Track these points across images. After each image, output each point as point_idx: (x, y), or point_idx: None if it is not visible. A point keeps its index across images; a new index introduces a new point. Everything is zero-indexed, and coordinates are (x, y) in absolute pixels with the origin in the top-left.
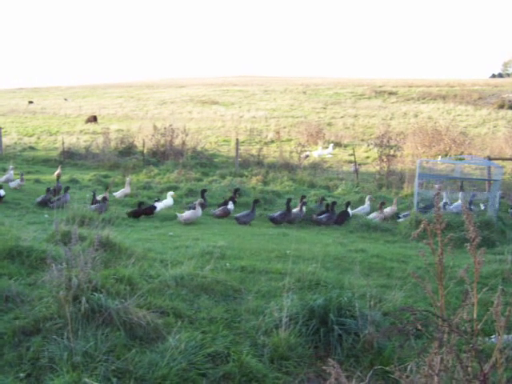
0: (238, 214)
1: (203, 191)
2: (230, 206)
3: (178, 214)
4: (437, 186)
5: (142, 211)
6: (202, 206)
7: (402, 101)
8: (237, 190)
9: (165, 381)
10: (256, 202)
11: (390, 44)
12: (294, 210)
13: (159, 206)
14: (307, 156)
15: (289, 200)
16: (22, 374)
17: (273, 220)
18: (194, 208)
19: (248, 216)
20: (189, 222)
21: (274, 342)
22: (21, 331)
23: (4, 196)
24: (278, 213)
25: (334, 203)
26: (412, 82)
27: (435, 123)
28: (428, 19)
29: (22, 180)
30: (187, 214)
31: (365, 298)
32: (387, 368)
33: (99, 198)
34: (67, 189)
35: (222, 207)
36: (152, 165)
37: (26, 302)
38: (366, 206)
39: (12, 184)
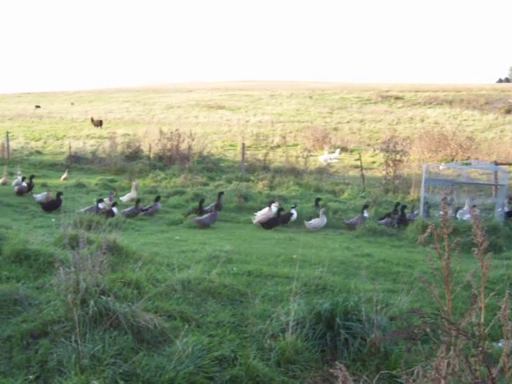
0: (349, 220)
1: (317, 200)
2: (366, 214)
3: (306, 222)
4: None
5: (281, 220)
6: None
7: (409, 106)
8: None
9: None
10: (366, 206)
11: (397, 49)
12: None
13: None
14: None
15: (404, 206)
16: (31, 377)
17: (386, 225)
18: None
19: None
20: (315, 230)
21: (281, 346)
22: (29, 334)
23: (116, 214)
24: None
25: (458, 208)
26: (418, 87)
27: (442, 128)
28: (434, 24)
29: (110, 199)
30: (315, 221)
31: (371, 303)
32: (394, 372)
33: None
34: (158, 198)
35: (358, 216)
36: (158, 169)
37: (34, 305)
38: (466, 209)
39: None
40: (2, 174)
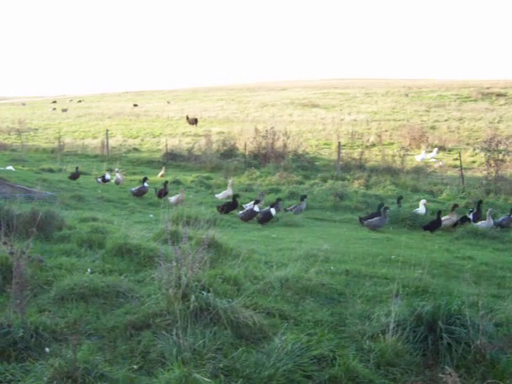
0: (499, 219)
1: (480, 202)
2: None
3: (474, 224)
4: None
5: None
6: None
7: None
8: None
9: (271, 381)
10: None
11: (499, 44)
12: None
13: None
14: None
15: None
16: (134, 366)
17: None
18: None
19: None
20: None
21: (381, 348)
22: (131, 325)
23: (274, 215)
24: None
25: None
26: None
27: None
28: None
29: (261, 199)
30: (483, 223)
31: (474, 307)
32: (502, 383)
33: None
34: (304, 197)
35: (506, 216)
36: (253, 167)
37: (136, 297)
38: None
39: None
40: (104, 171)
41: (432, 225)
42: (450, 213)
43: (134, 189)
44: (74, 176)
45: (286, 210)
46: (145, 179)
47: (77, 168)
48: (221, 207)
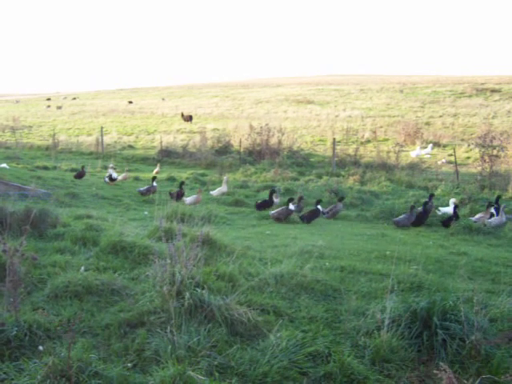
0: (509, 215)
1: (498, 197)
2: None
3: (487, 220)
4: None
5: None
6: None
7: (506, 98)
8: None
9: (266, 378)
10: None
11: (493, 40)
12: None
13: None
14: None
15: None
16: (129, 364)
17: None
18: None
19: None
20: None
21: (376, 344)
22: (126, 323)
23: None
24: None
25: None
26: None
27: None
28: None
29: (276, 197)
30: (495, 219)
31: (469, 303)
32: (497, 378)
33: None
34: (342, 198)
35: None
36: (248, 164)
37: (130, 295)
38: None
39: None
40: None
41: (451, 220)
42: (486, 210)
43: (142, 188)
44: (80, 175)
45: (323, 213)
46: (154, 178)
47: (82, 167)
48: (259, 204)
